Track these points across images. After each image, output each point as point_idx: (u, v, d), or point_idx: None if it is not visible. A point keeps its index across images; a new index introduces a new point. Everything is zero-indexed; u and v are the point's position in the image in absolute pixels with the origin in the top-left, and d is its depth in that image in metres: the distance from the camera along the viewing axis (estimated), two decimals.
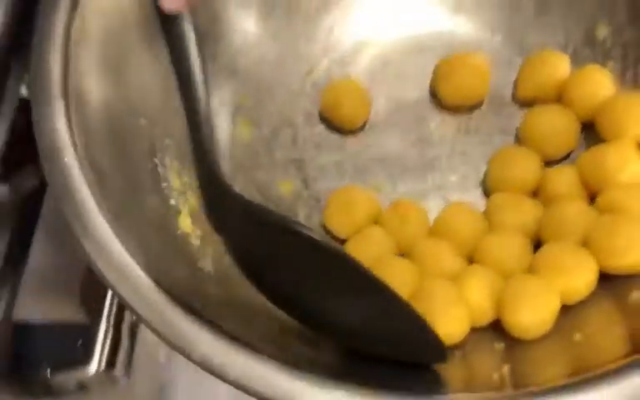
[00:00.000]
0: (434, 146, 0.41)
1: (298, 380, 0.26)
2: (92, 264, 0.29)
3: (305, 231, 0.28)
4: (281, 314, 0.31)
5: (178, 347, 0.27)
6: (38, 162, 0.31)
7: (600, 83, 0.40)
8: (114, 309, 0.38)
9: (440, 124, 0.42)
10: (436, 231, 0.37)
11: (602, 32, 0.42)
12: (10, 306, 0.38)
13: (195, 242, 0.34)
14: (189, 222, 0.34)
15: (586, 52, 0.42)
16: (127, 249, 0.28)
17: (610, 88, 0.40)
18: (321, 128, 0.42)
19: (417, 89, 0.42)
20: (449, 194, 0.40)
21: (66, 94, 0.32)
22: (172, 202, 0.34)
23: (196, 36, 0.35)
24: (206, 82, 0.34)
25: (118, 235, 0.29)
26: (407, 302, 0.29)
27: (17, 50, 0.37)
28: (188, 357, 0.27)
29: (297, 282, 0.30)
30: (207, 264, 0.33)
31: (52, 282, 0.37)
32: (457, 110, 0.42)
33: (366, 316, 0.29)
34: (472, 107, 0.42)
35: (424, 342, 0.29)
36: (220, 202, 0.31)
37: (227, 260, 0.32)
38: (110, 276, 0.28)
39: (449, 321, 0.32)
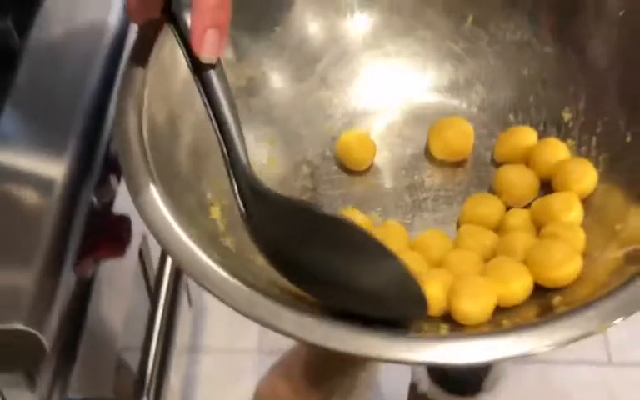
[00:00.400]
0: (423, 191, 0.51)
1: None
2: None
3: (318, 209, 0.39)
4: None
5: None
6: None
7: (557, 151, 0.50)
8: None
9: (430, 175, 0.52)
10: (413, 246, 0.47)
11: (567, 116, 0.52)
12: None
13: (221, 227, 0.44)
14: (219, 214, 0.45)
15: (553, 130, 0.52)
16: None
17: (565, 155, 0.50)
18: (334, 168, 0.52)
19: (414, 147, 0.53)
20: (430, 227, 0.50)
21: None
22: (208, 196, 0.46)
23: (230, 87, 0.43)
24: (239, 124, 0.43)
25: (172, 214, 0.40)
26: (401, 260, 0.37)
27: None
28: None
29: (312, 256, 0.38)
30: (228, 243, 0.44)
31: None
32: (444, 165, 0.52)
33: (363, 274, 0.38)
34: (457, 164, 0.52)
35: (411, 296, 0.37)
36: (252, 196, 0.41)
37: (244, 244, 0.42)
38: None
39: None
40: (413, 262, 0.44)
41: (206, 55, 0.42)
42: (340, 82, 0.55)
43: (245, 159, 0.42)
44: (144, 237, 0.73)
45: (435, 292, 0.42)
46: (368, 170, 0.53)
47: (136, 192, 0.41)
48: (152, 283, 0.78)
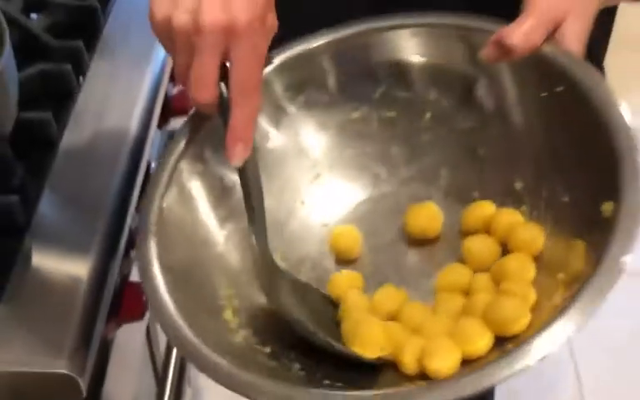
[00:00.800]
0: (404, 269, 0.62)
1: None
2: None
3: None
4: None
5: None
6: None
7: (512, 219, 0.60)
8: None
9: (407, 253, 0.62)
10: (395, 316, 0.58)
11: (519, 186, 0.62)
12: None
13: (233, 326, 0.55)
14: (230, 314, 0.56)
15: (508, 200, 0.62)
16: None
17: (519, 220, 0.60)
18: (330, 261, 0.63)
19: (393, 232, 0.64)
20: (413, 299, 0.60)
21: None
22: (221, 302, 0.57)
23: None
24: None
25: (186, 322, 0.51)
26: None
27: None
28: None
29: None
30: (239, 339, 0.55)
31: None
32: (420, 244, 0.63)
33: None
34: (431, 241, 0.63)
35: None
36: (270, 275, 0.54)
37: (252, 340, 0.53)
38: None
39: None
40: (396, 331, 0.55)
41: (235, 162, 0.57)
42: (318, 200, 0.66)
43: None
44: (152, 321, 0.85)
45: (407, 359, 0.53)
46: (357, 258, 0.63)
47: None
48: (159, 367, 0.90)
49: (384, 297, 0.58)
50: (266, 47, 0.59)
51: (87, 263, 0.64)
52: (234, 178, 0.59)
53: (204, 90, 0.56)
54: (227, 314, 0.56)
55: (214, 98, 0.57)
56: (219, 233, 0.61)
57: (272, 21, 0.59)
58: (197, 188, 0.61)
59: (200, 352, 0.50)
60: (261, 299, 0.57)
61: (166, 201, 0.58)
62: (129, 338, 0.76)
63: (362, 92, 0.66)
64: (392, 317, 0.57)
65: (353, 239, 0.63)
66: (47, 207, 0.69)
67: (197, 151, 0.61)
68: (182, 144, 0.61)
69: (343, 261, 0.63)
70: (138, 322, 0.76)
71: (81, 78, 0.80)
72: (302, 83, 0.65)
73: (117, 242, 0.67)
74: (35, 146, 0.74)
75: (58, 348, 0.58)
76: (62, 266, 0.65)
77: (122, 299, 0.70)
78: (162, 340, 0.87)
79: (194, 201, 0.60)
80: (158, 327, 0.80)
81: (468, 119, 0.65)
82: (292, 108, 0.66)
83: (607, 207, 0.52)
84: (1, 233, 0.67)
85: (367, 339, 0.54)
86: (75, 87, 0.79)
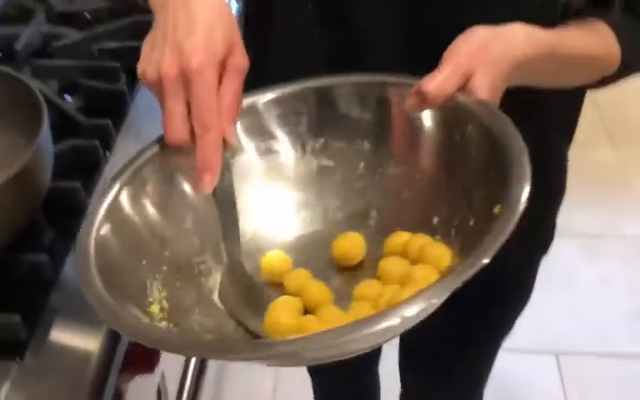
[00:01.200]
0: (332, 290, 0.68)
1: None
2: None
3: None
4: None
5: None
6: None
7: (423, 242, 0.67)
8: None
9: (334, 277, 0.69)
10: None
11: (435, 220, 0.69)
12: None
13: (157, 318, 0.63)
14: (157, 310, 0.64)
15: (425, 231, 0.69)
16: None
17: (429, 242, 0.67)
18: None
19: (323, 261, 0.71)
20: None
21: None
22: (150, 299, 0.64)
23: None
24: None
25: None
26: None
27: None
28: None
29: None
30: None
31: None
32: (346, 269, 0.70)
33: None
34: (355, 266, 0.70)
35: None
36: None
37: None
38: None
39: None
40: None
41: (206, 190, 0.64)
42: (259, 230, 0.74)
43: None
44: (163, 376, 0.93)
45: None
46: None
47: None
48: None
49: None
50: (217, 82, 0.64)
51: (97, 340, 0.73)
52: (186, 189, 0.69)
53: (171, 131, 0.64)
54: (154, 308, 0.64)
55: (183, 136, 0.64)
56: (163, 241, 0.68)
57: (239, 60, 0.65)
58: (149, 198, 0.68)
59: (119, 312, 0.57)
60: (191, 301, 0.67)
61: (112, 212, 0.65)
62: (141, 391, 0.84)
63: (304, 142, 0.74)
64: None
65: (283, 262, 0.71)
66: (71, 267, 0.80)
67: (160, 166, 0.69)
68: (148, 154, 0.68)
69: (273, 283, 0.70)
70: (150, 374, 0.85)
71: (107, 152, 0.93)
72: (256, 130, 0.74)
73: None
74: (65, 211, 0.85)
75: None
76: (82, 321, 0.75)
77: (135, 353, 0.78)
78: (171, 391, 0.95)
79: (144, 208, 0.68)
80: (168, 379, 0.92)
81: (396, 167, 0.72)
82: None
83: (496, 209, 0.59)
84: (30, 288, 0.77)
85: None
86: (102, 160, 0.92)
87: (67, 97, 1.01)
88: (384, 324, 0.51)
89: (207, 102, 0.63)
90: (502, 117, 0.64)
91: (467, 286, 0.53)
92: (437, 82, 0.66)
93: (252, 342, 0.62)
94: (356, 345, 0.57)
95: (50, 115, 0.82)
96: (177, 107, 0.64)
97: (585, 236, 2.22)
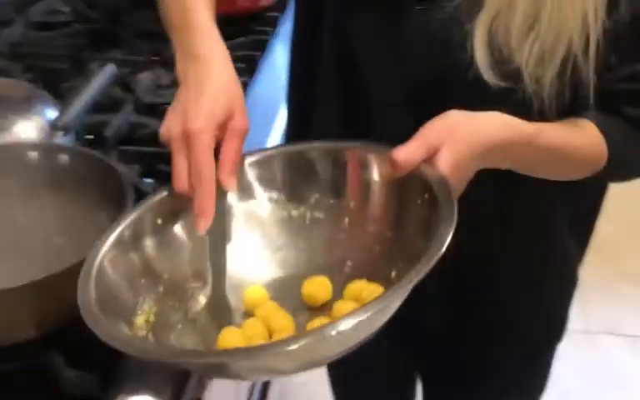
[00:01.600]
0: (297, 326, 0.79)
1: None
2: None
3: None
4: None
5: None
6: None
7: (373, 289, 0.76)
8: None
9: (302, 314, 0.80)
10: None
11: (393, 274, 0.79)
12: None
13: (141, 329, 0.75)
14: (143, 323, 0.76)
15: (383, 282, 0.78)
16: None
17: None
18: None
19: (296, 300, 0.82)
20: None
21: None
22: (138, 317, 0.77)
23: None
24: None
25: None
26: None
27: None
28: None
29: None
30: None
31: None
32: (315, 308, 0.80)
33: None
34: (323, 306, 0.80)
35: None
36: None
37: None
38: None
39: None
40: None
41: (200, 232, 0.77)
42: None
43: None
44: None
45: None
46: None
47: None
48: None
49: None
50: (214, 143, 0.78)
51: None
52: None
53: (176, 181, 0.78)
54: (139, 320, 0.76)
55: (184, 186, 0.77)
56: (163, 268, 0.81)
57: (239, 124, 0.79)
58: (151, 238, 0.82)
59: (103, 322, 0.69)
60: (176, 319, 0.79)
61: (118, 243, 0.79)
62: None
63: (302, 196, 0.87)
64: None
65: (260, 297, 0.82)
66: None
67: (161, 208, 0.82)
68: (158, 197, 0.82)
69: (251, 313, 0.82)
70: None
71: None
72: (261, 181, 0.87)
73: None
74: None
75: None
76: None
77: None
78: None
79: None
80: None
81: (374, 225, 0.83)
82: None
83: None
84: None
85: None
86: None
87: (146, 180, 1.12)
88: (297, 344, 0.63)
89: (202, 159, 0.76)
90: (447, 184, 0.75)
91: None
92: (406, 152, 0.77)
93: (188, 350, 0.75)
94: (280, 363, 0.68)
95: (133, 196, 0.89)
96: (181, 162, 0.78)
97: (636, 336, 2.18)
